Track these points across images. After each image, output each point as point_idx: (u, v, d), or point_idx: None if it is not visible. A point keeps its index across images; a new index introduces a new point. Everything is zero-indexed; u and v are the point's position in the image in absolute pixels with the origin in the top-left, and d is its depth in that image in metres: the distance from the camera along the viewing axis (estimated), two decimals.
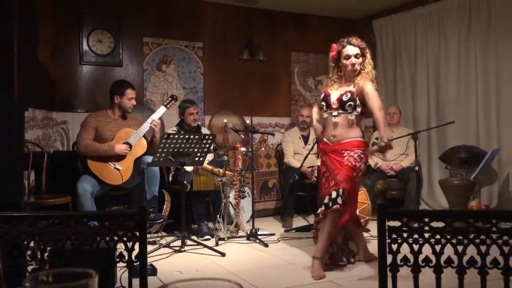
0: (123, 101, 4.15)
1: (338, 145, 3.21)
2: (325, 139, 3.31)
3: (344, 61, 3.24)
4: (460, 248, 1.34)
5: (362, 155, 3.20)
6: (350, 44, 3.25)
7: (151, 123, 4.10)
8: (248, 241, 4.17)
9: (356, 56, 3.22)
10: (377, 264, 1.38)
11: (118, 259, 1.43)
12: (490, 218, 1.35)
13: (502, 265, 1.30)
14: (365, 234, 4.38)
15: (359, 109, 3.20)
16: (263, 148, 5.70)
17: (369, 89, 3.17)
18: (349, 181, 3.13)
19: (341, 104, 3.19)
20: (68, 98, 5.28)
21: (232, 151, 5.00)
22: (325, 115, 3.29)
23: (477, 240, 1.32)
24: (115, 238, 1.42)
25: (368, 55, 3.27)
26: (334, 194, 3.09)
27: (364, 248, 3.49)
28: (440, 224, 1.37)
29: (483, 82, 5.24)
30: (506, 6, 5.01)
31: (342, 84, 3.29)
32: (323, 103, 3.28)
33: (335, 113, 3.21)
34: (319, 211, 3.20)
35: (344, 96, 3.18)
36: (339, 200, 3.06)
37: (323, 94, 3.31)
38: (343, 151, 3.17)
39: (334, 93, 3.24)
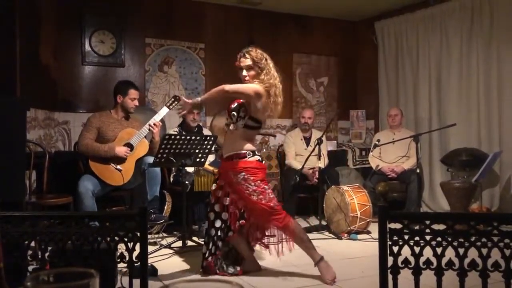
0: (125, 101, 4.15)
1: (224, 164, 3.15)
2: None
3: (239, 72, 3.15)
4: (461, 250, 1.33)
5: (246, 175, 3.05)
6: (244, 55, 3.11)
7: (150, 126, 4.09)
8: None
9: (247, 68, 3.09)
10: (378, 265, 1.38)
11: (119, 260, 1.44)
12: (491, 221, 1.35)
13: (503, 268, 1.30)
14: (366, 236, 4.39)
15: (241, 122, 3.06)
16: (264, 150, 5.70)
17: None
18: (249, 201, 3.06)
19: (229, 113, 3.12)
20: (70, 99, 5.29)
21: None
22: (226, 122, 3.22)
23: (478, 243, 1.32)
24: (116, 238, 1.42)
25: (266, 67, 3.07)
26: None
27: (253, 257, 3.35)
28: (441, 227, 1.36)
29: (485, 85, 5.24)
30: (508, 9, 5.00)
31: None
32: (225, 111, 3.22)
33: (228, 121, 3.16)
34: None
35: (233, 104, 3.11)
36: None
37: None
38: (230, 175, 3.08)
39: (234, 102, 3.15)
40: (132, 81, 4.57)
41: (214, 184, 3.23)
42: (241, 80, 3.16)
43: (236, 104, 3.09)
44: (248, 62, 3.08)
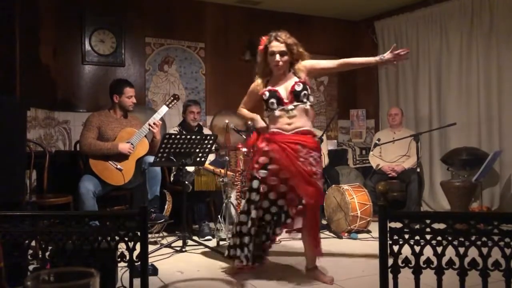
0: (122, 100, 4.15)
1: (294, 137, 2.93)
2: (275, 129, 2.98)
3: (269, 57, 2.98)
4: (461, 250, 1.34)
5: (318, 159, 2.98)
6: (276, 39, 2.95)
7: (150, 125, 4.08)
8: None
9: (281, 53, 2.94)
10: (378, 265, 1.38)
11: (119, 259, 1.44)
12: (491, 220, 1.35)
13: (503, 267, 1.30)
14: (366, 236, 4.39)
15: (311, 98, 2.99)
16: None
17: (310, 61, 3.03)
18: (311, 193, 2.93)
19: (295, 95, 2.94)
20: (70, 98, 5.29)
21: (234, 151, 5.00)
22: (277, 113, 2.96)
23: (479, 242, 1.32)
24: (117, 238, 1.42)
25: (296, 52, 2.99)
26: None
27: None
28: (442, 226, 1.36)
29: (485, 84, 5.24)
30: (508, 8, 5.00)
31: (279, 79, 3.02)
32: (272, 100, 2.96)
33: (290, 106, 2.94)
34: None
35: (296, 86, 2.94)
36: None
37: (268, 92, 2.99)
38: (300, 149, 2.90)
39: (281, 88, 2.98)
40: (125, 79, 4.56)
41: (264, 171, 2.95)
42: (266, 65, 3.02)
43: (301, 84, 2.95)
44: (282, 47, 2.95)
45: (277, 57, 2.94)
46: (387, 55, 3.05)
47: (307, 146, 2.94)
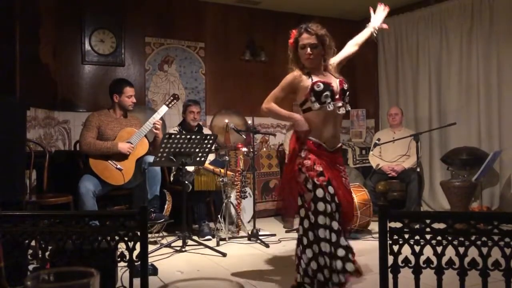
0: (122, 100, 4.16)
1: (336, 155, 2.80)
2: (317, 140, 2.72)
3: (300, 51, 2.77)
4: (461, 249, 1.33)
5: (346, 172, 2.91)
6: (307, 31, 2.74)
7: (153, 125, 4.09)
8: (249, 242, 4.17)
9: (312, 46, 2.72)
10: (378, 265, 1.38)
11: (119, 259, 1.44)
12: (491, 220, 1.35)
13: (503, 267, 1.30)
14: (366, 235, 4.39)
15: (347, 100, 2.82)
16: (264, 149, 5.70)
17: (334, 59, 2.91)
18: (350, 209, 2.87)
19: (344, 93, 2.75)
20: (70, 98, 5.29)
21: (234, 151, 5.01)
22: (331, 107, 2.69)
23: (479, 242, 1.32)
24: (116, 237, 1.42)
25: (328, 43, 2.79)
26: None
27: None
28: (442, 226, 1.36)
29: (485, 84, 5.24)
30: (508, 8, 5.00)
31: (319, 75, 2.79)
32: (327, 92, 2.67)
33: (339, 104, 2.72)
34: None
35: (344, 84, 2.76)
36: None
37: (322, 84, 2.69)
38: (340, 169, 2.80)
39: (332, 82, 2.76)
40: (125, 78, 4.57)
41: (323, 178, 2.65)
42: (298, 60, 2.78)
43: (345, 84, 2.78)
44: (313, 39, 2.72)
45: (308, 50, 2.73)
46: (375, 22, 3.20)
47: (341, 164, 2.88)
